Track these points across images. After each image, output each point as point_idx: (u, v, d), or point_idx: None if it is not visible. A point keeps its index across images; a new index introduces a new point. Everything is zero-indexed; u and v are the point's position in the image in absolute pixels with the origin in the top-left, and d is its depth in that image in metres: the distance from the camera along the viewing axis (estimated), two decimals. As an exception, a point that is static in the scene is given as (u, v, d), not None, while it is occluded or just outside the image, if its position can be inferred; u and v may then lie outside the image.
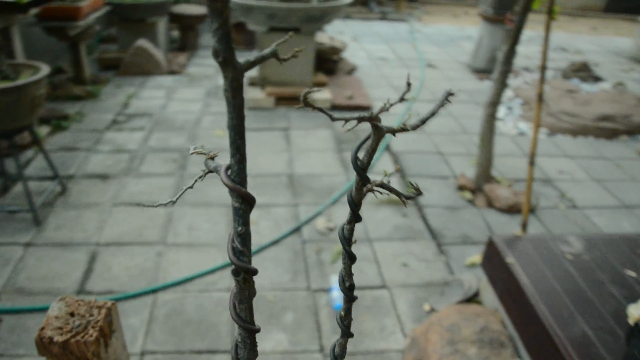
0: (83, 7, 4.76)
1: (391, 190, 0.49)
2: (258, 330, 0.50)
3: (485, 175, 3.76)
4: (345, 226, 0.54)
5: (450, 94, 0.44)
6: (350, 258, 0.55)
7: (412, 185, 0.48)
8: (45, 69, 3.00)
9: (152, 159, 3.96)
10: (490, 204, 3.62)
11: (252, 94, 5.14)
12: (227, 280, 2.76)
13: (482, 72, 6.86)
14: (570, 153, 4.66)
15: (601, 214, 3.65)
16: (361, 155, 0.50)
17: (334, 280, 2.73)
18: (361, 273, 2.87)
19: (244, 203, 0.43)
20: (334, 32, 8.42)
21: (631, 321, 1.15)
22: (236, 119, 0.40)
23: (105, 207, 3.31)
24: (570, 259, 2.43)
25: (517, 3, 5.94)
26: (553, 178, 4.13)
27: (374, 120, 0.47)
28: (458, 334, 2.30)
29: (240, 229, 0.44)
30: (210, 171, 0.47)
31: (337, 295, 2.63)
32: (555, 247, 2.52)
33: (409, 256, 3.06)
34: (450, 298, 2.68)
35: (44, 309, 2.49)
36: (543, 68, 2.71)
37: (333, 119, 0.47)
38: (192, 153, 0.50)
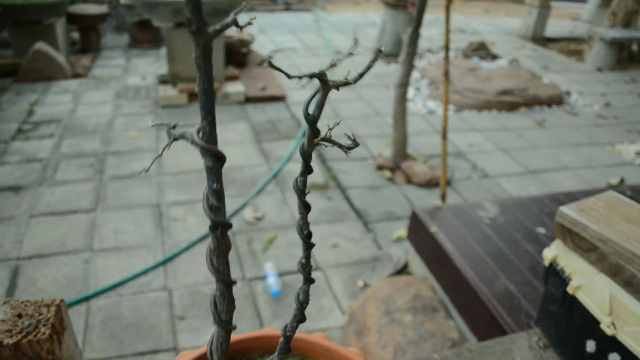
0: (-29, 11, 4.46)
1: (334, 142, 0.55)
2: (234, 282, 0.54)
3: (401, 153, 3.93)
4: (298, 178, 0.59)
5: (380, 50, 0.50)
6: (305, 207, 0.60)
7: (349, 137, 0.55)
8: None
9: (66, 166, 3.80)
10: (409, 181, 3.79)
11: (163, 92, 5.05)
12: (160, 280, 2.73)
13: (388, 56, 7.09)
14: (477, 127, 4.94)
15: (510, 181, 3.92)
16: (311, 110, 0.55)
17: (269, 267, 2.78)
18: (294, 258, 2.94)
19: (217, 162, 0.47)
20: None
21: (546, 262, 1.29)
22: (207, 84, 0.44)
23: (21, 219, 3.16)
24: (487, 223, 2.61)
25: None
26: (464, 151, 4.37)
27: (322, 76, 0.53)
28: (393, 304, 2.41)
29: (215, 185, 0.48)
30: (176, 138, 0.51)
31: (273, 282, 2.68)
32: (474, 214, 2.70)
33: (338, 237, 3.16)
34: (381, 272, 2.79)
35: (-34, 332, 2.35)
36: (447, 47, 2.86)
37: (290, 77, 0.52)
38: (153, 125, 0.53)
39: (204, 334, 2.41)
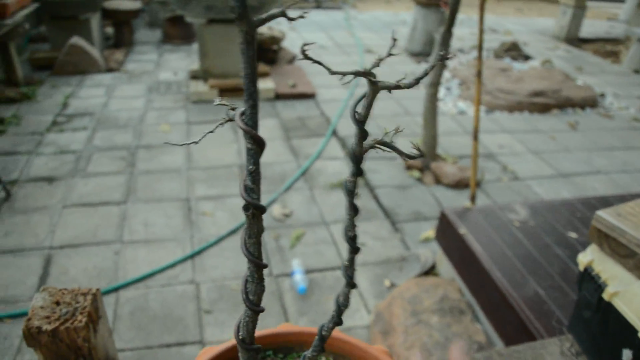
0: (10, 4, 4.56)
1: (392, 148, 0.54)
2: (266, 266, 0.54)
3: (431, 153, 3.90)
4: (348, 179, 0.58)
5: (443, 56, 0.49)
6: (353, 210, 0.59)
7: (413, 145, 0.53)
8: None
9: (98, 158, 3.87)
10: (438, 181, 3.75)
11: (194, 88, 5.10)
12: (188, 273, 2.76)
13: (419, 55, 7.04)
14: (508, 128, 4.87)
15: (541, 184, 3.86)
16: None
17: (296, 264, 2.78)
18: (321, 255, 2.94)
19: (255, 144, 0.48)
20: (271, 22, 8.41)
21: (581, 267, 1.26)
22: (249, 69, 0.44)
23: (54, 209, 3.23)
24: (517, 226, 2.58)
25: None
26: (494, 152, 4.31)
27: (368, 75, 0.52)
28: (420, 305, 2.40)
29: (251, 167, 0.49)
30: (230, 119, 0.51)
31: (300, 278, 2.68)
32: (503, 216, 2.66)
33: (366, 236, 3.15)
34: (408, 272, 2.78)
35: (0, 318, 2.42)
36: (480, 47, 2.83)
37: (331, 73, 0.51)
38: (216, 104, 0.54)
39: (230, 327, 2.43)
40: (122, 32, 6.73)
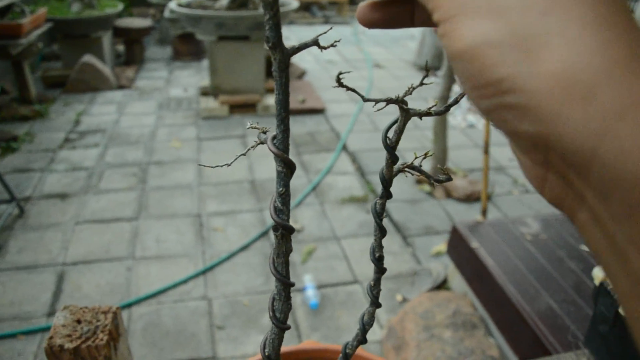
0: (24, 24, 4.64)
1: (421, 172, 0.55)
2: (293, 284, 0.56)
3: (441, 167, 3.90)
4: (377, 201, 0.59)
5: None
6: (381, 231, 0.60)
7: (442, 171, 0.54)
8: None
9: (110, 175, 3.91)
10: (448, 195, 3.75)
11: (205, 104, 5.14)
12: (201, 289, 2.77)
13: (428, 69, 7.06)
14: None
15: (552, 197, 3.84)
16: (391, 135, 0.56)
17: (308, 280, 2.78)
18: (332, 270, 2.93)
19: (286, 167, 0.49)
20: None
21: (596, 282, 1.26)
22: (282, 95, 0.46)
23: (67, 226, 3.25)
24: (530, 239, 2.57)
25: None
26: (505, 166, 4.31)
27: (400, 102, 0.53)
28: (432, 319, 2.39)
29: (281, 189, 0.50)
30: (262, 142, 0.53)
31: (312, 294, 2.68)
32: (515, 229, 2.65)
33: (377, 250, 3.14)
34: (420, 287, 2.77)
35: (13, 335, 2.43)
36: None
37: (365, 100, 0.52)
38: (249, 128, 0.55)
39: (243, 343, 2.43)
40: (133, 49, 6.82)
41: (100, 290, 2.74)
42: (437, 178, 0.54)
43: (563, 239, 2.59)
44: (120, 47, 7.15)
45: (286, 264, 0.55)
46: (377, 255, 0.62)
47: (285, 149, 0.49)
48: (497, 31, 0.25)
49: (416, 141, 4.66)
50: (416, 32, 9.32)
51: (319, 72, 6.77)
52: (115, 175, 3.91)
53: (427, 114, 0.52)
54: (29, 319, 2.54)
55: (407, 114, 0.54)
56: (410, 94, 0.52)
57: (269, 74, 5.67)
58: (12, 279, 2.79)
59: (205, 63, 6.99)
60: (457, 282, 2.71)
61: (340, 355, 0.69)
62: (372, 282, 0.65)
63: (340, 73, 0.49)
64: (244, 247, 3.10)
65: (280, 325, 0.57)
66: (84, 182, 3.79)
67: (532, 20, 0.24)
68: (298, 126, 4.95)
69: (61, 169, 3.98)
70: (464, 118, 5.35)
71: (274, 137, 0.50)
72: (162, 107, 5.39)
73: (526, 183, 4.03)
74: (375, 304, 0.66)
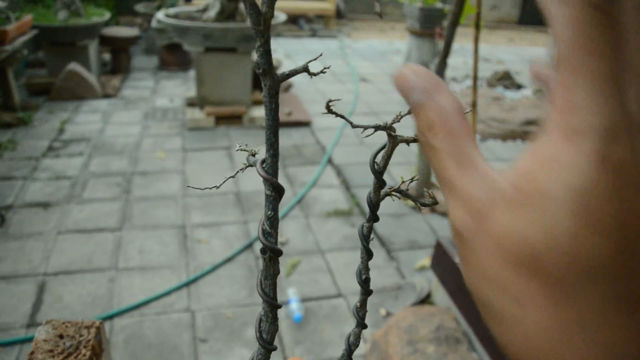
0: (9, 30, 4.61)
1: (407, 196, 0.56)
2: (280, 306, 0.56)
3: (426, 182, 3.93)
4: (364, 224, 0.60)
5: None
6: (367, 254, 0.61)
7: (428, 194, 0.55)
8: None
9: (94, 185, 3.87)
10: (433, 210, 3.78)
11: (191, 115, 5.13)
12: (184, 301, 2.75)
13: (413, 84, 7.12)
14: (501, 156, 4.93)
15: (534, 213, 3.89)
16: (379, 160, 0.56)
17: (292, 293, 2.78)
18: (317, 284, 2.93)
19: (275, 191, 0.50)
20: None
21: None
22: (272, 121, 0.46)
23: (49, 235, 3.21)
24: (512, 256, 2.59)
25: (444, 18, 6.24)
26: (488, 181, 4.35)
27: (388, 129, 0.54)
28: (416, 334, 2.39)
29: (270, 213, 0.51)
30: (250, 165, 0.53)
31: (296, 307, 2.68)
32: (499, 245, 2.67)
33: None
34: (404, 301, 2.78)
35: (-8, 346, 2.39)
36: (475, 78, 2.88)
37: (353, 126, 0.53)
38: (237, 150, 0.56)
39: (226, 356, 2.41)
40: (119, 58, 6.79)
41: (81, 301, 2.71)
42: (423, 202, 0.55)
43: (545, 255, 2.62)
44: (107, 56, 7.12)
45: (274, 285, 0.55)
46: (363, 277, 0.63)
47: (274, 174, 0.50)
48: None
49: (400, 155, 4.69)
50: (402, 46, 9.42)
51: (306, 85, 6.80)
52: (99, 185, 3.88)
53: (414, 140, 0.53)
54: (8, 329, 2.50)
55: (394, 140, 0.55)
56: (399, 121, 0.53)
57: (255, 86, 5.67)
58: (-8, 289, 2.74)
59: (191, 73, 6.98)
60: (441, 296, 2.72)
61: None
62: (358, 304, 0.65)
63: (330, 100, 0.49)
64: (228, 259, 3.09)
65: (267, 346, 0.58)
66: (67, 191, 3.75)
67: None
68: (284, 139, 4.96)
69: (44, 177, 3.94)
70: (449, 133, 5.41)
71: (263, 161, 0.51)
72: (148, 117, 5.37)
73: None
74: (362, 325, 0.66)
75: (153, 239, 3.26)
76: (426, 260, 3.12)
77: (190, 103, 5.40)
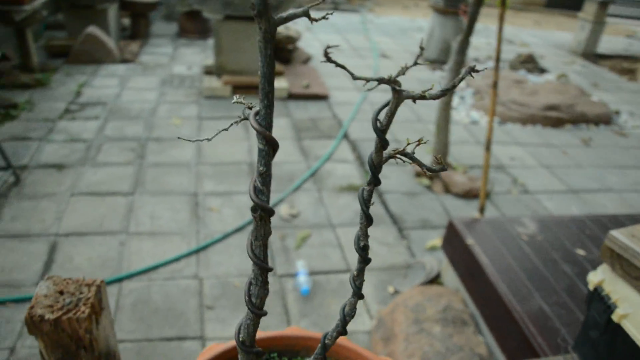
0: (30, -9, 4.59)
1: (413, 159, 0.53)
2: (271, 269, 0.53)
3: (443, 159, 3.87)
4: (365, 188, 0.57)
5: (472, 69, 0.47)
6: (367, 219, 0.58)
7: (437, 159, 0.52)
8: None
9: (109, 148, 3.88)
10: (447, 190, 3.73)
11: (208, 83, 5.10)
12: (192, 268, 2.75)
13: (434, 62, 7.01)
14: (520, 141, 4.84)
15: (551, 198, 3.83)
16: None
17: (300, 265, 2.77)
18: (326, 258, 2.92)
19: (268, 145, 0.46)
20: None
21: (591, 286, 1.24)
22: (267, 68, 0.43)
23: (62, 197, 3.23)
24: (525, 240, 2.55)
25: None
26: (505, 164, 4.29)
27: (393, 83, 0.50)
28: (423, 313, 2.38)
29: (262, 168, 0.47)
30: (245, 118, 0.50)
31: (304, 280, 2.67)
32: (512, 229, 2.64)
33: (371, 240, 3.13)
34: (413, 280, 2.76)
35: (2, 302, 2.42)
36: (497, 59, 2.81)
37: (355, 78, 0.50)
38: (234, 102, 0.53)
39: (231, 325, 2.42)
40: (138, 23, 6.75)
41: (91, 263, 2.73)
42: (431, 167, 0.52)
43: (559, 241, 2.58)
44: (126, 21, 7.08)
45: (264, 247, 0.52)
46: (361, 244, 0.60)
47: (268, 126, 0.46)
48: None
49: (417, 133, 4.63)
50: (425, 24, 9.25)
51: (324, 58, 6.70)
52: (114, 149, 3.88)
53: (422, 97, 0.50)
54: (19, 287, 2.53)
55: (399, 95, 0.51)
56: (404, 74, 0.49)
57: (275, 56, 5.60)
58: (4, 247, 2.77)
59: (210, 42, 6.93)
60: (450, 277, 2.70)
61: (319, 345, 0.68)
62: (355, 272, 0.62)
63: (329, 47, 0.46)
64: (239, 229, 3.08)
65: (256, 310, 0.55)
66: (81, 154, 3.76)
67: None
68: (300, 111, 4.92)
69: (60, 139, 3.95)
70: (468, 114, 5.32)
71: (257, 113, 0.48)
72: (165, 83, 5.35)
73: (526, 183, 4.01)
74: (358, 294, 0.63)
75: (165, 205, 3.26)
76: (437, 241, 3.09)
77: (208, 71, 5.36)
